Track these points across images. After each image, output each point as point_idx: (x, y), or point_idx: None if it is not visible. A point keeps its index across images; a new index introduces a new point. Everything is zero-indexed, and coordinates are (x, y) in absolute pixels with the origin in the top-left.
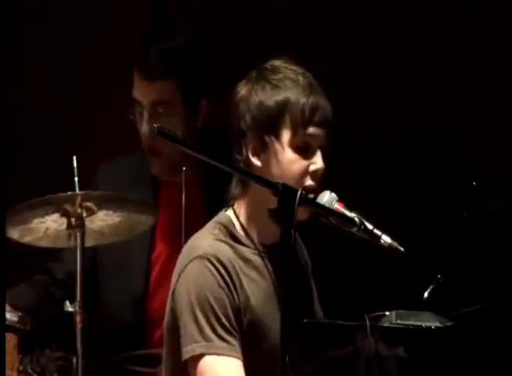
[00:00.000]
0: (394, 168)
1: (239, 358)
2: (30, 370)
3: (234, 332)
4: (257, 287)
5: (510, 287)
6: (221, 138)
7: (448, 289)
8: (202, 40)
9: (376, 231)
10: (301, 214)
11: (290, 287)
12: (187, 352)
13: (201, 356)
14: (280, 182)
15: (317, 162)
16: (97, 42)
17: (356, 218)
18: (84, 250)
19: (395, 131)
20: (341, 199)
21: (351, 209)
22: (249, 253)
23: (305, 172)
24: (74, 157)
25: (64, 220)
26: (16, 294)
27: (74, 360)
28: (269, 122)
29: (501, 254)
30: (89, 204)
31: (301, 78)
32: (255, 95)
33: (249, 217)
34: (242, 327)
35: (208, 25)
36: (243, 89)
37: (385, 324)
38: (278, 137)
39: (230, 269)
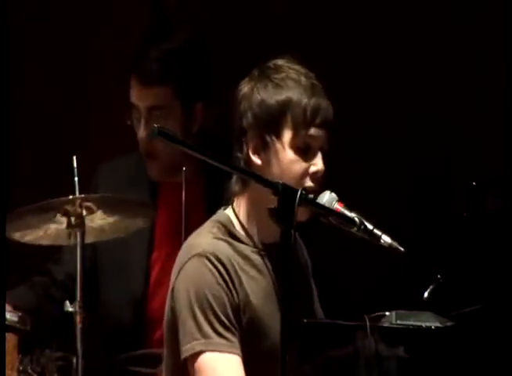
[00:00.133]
0: (394, 168)
1: (238, 354)
2: (30, 370)
3: (233, 329)
4: (256, 286)
5: (510, 287)
6: (220, 140)
7: (448, 289)
8: (201, 40)
9: (376, 231)
10: (301, 214)
11: (290, 287)
12: (186, 350)
13: (200, 353)
14: (280, 181)
15: (317, 164)
16: (97, 42)
17: (356, 218)
18: (84, 249)
19: (395, 131)
20: (341, 199)
21: (351, 209)
22: (248, 251)
23: (305, 173)
24: (74, 157)
25: (64, 219)
26: (16, 295)
27: (74, 360)
28: (271, 121)
29: (501, 255)
30: (89, 204)
31: (303, 79)
32: (257, 94)
33: (248, 216)
34: (241, 326)
35: (208, 25)
36: (245, 87)
37: (385, 324)
38: (279, 137)
39: (229, 266)
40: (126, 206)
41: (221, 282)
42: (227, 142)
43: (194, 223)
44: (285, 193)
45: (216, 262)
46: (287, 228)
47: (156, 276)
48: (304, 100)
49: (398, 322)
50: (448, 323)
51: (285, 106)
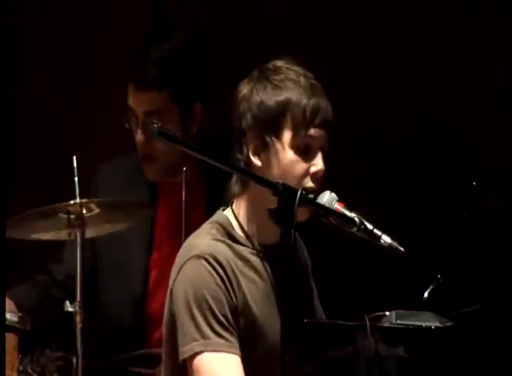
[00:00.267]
0: (394, 168)
1: (237, 354)
2: (30, 370)
3: (232, 329)
4: (255, 287)
5: (510, 287)
6: (220, 140)
7: (448, 289)
8: (201, 40)
9: (376, 231)
10: (301, 214)
11: (290, 288)
12: (185, 350)
13: (199, 353)
14: (280, 182)
15: (317, 164)
16: (97, 42)
17: (356, 218)
18: (84, 249)
19: (395, 131)
20: (341, 199)
21: (351, 209)
22: (247, 253)
23: (306, 174)
24: (74, 157)
25: (65, 217)
26: (16, 293)
27: (74, 360)
28: (270, 122)
29: (501, 255)
30: (89, 204)
31: (302, 79)
32: (256, 95)
33: (248, 217)
34: (240, 327)
35: (208, 25)
36: (244, 88)
37: (385, 324)
38: (279, 137)
39: (227, 268)
40: (125, 207)
41: (220, 283)
42: (227, 142)
43: (194, 223)
44: (285, 193)
45: (214, 264)
46: (287, 228)
47: (156, 277)
48: (304, 100)
49: (398, 322)
50: (448, 323)
51: (284, 107)
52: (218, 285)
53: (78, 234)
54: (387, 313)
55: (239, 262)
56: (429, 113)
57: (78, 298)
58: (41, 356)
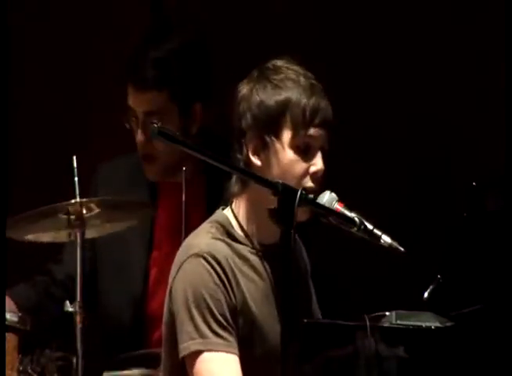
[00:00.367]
0: (394, 168)
1: (235, 354)
2: (30, 370)
3: (230, 329)
4: (254, 287)
5: (510, 287)
6: (220, 140)
7: (448, 289)
8: (200, 41)
9: (376, 231)
10: (301, 215)
11: (290, 288)
12: (184, 349)
13: (197, 352)
14: (280, 181)
15: (317, 164)
16: (97, 42)
17: (356, 218)
18: (84, 250)
19: (395, 131)
20: (341, 199)
21: (351, 209)
22: (246, 252)
23: (305, 173)
24: (74, 157)
25: (65, 218)
26: (15, 293)
27: (74, 360)
28: (270, 122)
29: (501, 255)
30: (89, 204)
31: (302, 79)
32: (256, 95)
33: (248, 216)
34: (238, 327)
35: (208, 25)
36: (244, 88)
37: (385, 324)
38: (278, 137)
39: (226, 267)
40: (125, 207)
41: (218, 282)
42: (227, 142)
43: (194, 223)
44: (285, 193)
45: (213, 262)
46: (287, 228)
47: (156, 276)
48: (303, 100)
49: (398, 322)
50: (448, 323)
51: (284, 107)
52: (216, 284)
53: (78, 234)
54: (387, 313)
55: (238, 261)
56: (429, 113)
57: (78, 298)
58: (41, 356)
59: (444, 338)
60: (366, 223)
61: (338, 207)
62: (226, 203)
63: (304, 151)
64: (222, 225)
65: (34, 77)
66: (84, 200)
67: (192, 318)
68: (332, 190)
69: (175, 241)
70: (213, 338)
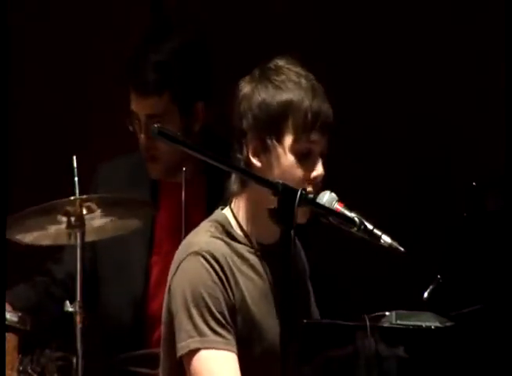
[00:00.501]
0: (394, 168)
1: (234, 352)
2: (30, 370)
3: (229, 327)
4: (253, 286)
5: (510, 287)
6: (221, 141)
7: (448, 289)
8: (200, 41)
9: (376, 231)
10: (301, 217)
11: (290, 288)
12: (182, 347)
13: (196, 350)
14: (280, 181)
15: (318, 169)
16: (97, 42)
17: (356, 218)
18: (84, 249)
19: (395, 131)
20: (341, 199)
21: (351, 209)
22: (245, 251)
23: (306, 178)
24: (74, 157)
25: (64, 219)
26: (15, 293)
27: (74, 360)
28: (271, 124)
29: (501, 255)
30: (89, 204)
31: (303, 81)
32: (258, 95)
33: (247, 216)
34: (237, 326)
35: (208, 25)
36: (245, 87)
37: (385, 324)
38: (280, 141)
39: (225, 265)
40: (126, 205)
41: (217, 280)
42: (227, 142)
43: (194, 223)
44: (285, 193)
45: (212, 261)
46: (287, 228)
47: (157, 276)
48: (305, 104)
49: (398, 322)
50: (448, 323)
51: (286, 110)
52: (215, 282)
53: (78, 235)
54: (387, 313)
55: (237, 260)
56: (429, 113)
57: (78, 298)
58: (41, 356)
59: (444, 338)
60: (366, 223)
61: (338, 207)
62: (226, 202)
63: (305, 156)
64: (221, 225)
65: (34, 77)
66: (84, 196)
67: (190, 316)
68: (332, 190)
69: (176, 241)
70: (211, 335)
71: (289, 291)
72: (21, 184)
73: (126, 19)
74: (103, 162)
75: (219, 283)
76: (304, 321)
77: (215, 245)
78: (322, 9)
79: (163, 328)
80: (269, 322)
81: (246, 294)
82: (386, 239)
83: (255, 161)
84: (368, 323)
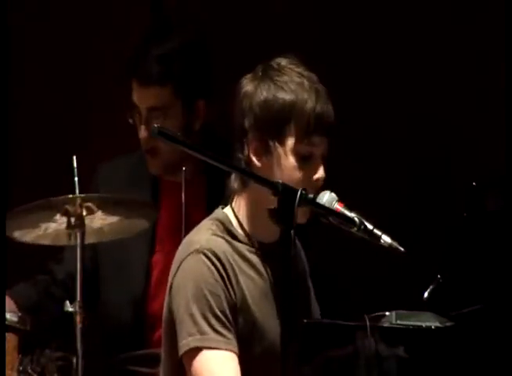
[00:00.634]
0: (394, 168)
1: (234, 352)
2: (30, 370)
3: (230, 326)
4: (253, 285)
5: (510, 287)
6: (221, 141)
7: (448, 289)
8: (200, 40)
9: (376, 231)
10: (301, 217)
11: (290, 287)
12: (183, 346)
13: (196, 349)
14: (280, 181)
15: (319, 171)
16: (97, 42)
17: (356, 218)
18: (84, 249)
19: (395, 131)
20: (341, 199)
21: (351, 209)
22: (246, 250)
23: (307, 180)
24: (74, 157)
25: (64, 219)
26: (15, 292)
27: (74, 360)
28: (273, 126)
29: (501, 255)
30: (89, 204)
31: (306, 82)
32: (260, 94)
33: (247, 215)
34: (237, 324)
35: (208, 25)
36: (247, 85)
37: (385, 324)
38: (282, 143)
39: (226, 263)
40: (127, 206)
41: (218, 278)
42: (228, 142)
43: (195, 223)
44: (285, 193)
45: (213, 258)
46: (287, 228)
47: (158, 276)
48: (308, 106)
49: (398, 322)
50: (448, 323)
51: (288, 112)
52: (216, 280)
53: (78, 234)
54: (387, 313)
55: (237, 259)
56: (429, 113)
57: (78, 298)
58: (41, 356)
59: (444, 338)
60: (366, 223)
61: (338, 207)
62: (226, 201)
63: (307, 158)
64: (222, 223)
65: (34, 77)
66: (83, 195)
67: (191, 314)
68: (332, 190)
69: (177, 240)
70: (212, 334)
71: (289, 291)
72: (21, 184)
73: (126, 19)
74: (103, 162)
75: (221, 281)
76: (305, 321)
77: (216, 243)
78: (323, 9)
79: (164, 327)
80: (269, 322)
81: (246, 293)
82: (386, 239)
83: (256, 161)
84: (368, 323)
